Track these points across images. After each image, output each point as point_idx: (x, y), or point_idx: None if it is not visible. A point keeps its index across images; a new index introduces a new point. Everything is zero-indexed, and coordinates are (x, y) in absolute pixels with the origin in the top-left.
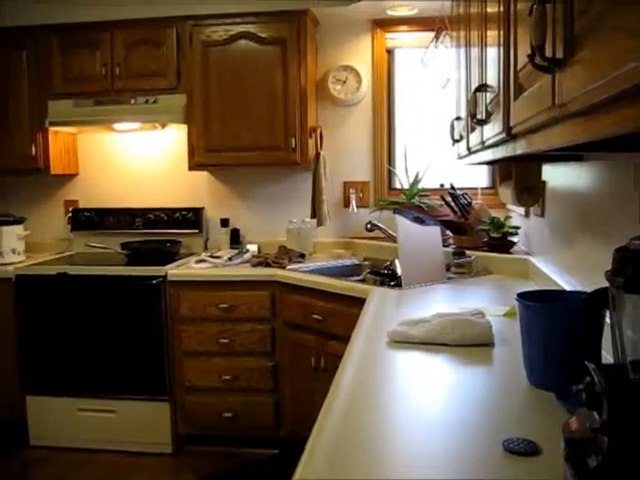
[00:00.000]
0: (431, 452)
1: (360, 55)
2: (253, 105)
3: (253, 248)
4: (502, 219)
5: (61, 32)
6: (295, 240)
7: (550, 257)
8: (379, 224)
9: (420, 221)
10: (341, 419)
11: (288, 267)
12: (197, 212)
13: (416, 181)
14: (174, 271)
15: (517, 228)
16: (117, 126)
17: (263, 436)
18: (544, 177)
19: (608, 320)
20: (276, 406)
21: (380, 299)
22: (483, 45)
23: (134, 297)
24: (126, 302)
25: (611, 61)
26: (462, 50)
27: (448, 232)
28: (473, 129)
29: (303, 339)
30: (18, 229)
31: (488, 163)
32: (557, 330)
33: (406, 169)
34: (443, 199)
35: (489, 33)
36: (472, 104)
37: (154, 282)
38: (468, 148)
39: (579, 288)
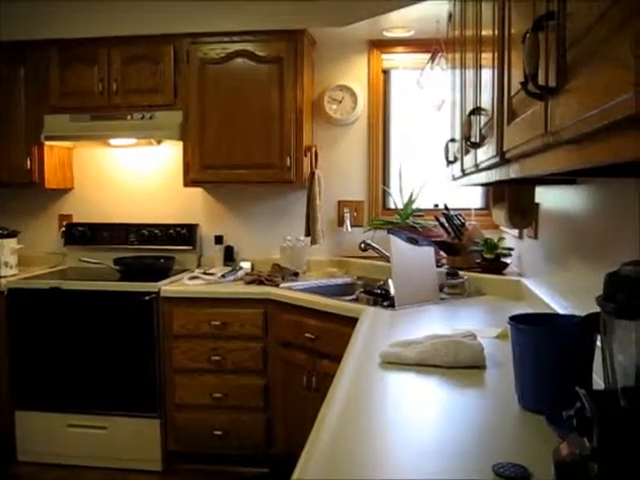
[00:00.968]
0: (422, 476)
1: (356, 75)
2: (249, 123)
3: (246, 265)
4: (495, 240)
5: (60, 47)
6: (289, 258)
7: (543, 279)
8: (373, 244)
9: (414, 241)
10: (331, 441)
11: (281, 285)
12: (191, 228)
13: (410, 201)
14: (167, 287)
15: (510, 249)
16: (113, 141)
17: (254, 455)
18: (537, 199)
19: (599, 344)
20: (267, 424)
21: (373, 319)
22: (478, 68)
23: (127, 313)
24: (118, 317)
25: (603, 91)
26: (457, 72)
27: (442, 252)
28: (467, 151)
29: (295, 358)
30: (11, 242)
31: (482, 185)
32: (548, 354)
33: (400, 189)
34: (437, 219)
35: (484, 56)
36: (466, 127)
37: (147, 298)
38: (462, 170)
39: (571, 311)
